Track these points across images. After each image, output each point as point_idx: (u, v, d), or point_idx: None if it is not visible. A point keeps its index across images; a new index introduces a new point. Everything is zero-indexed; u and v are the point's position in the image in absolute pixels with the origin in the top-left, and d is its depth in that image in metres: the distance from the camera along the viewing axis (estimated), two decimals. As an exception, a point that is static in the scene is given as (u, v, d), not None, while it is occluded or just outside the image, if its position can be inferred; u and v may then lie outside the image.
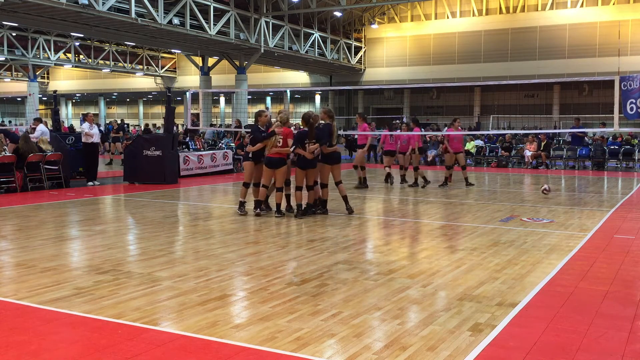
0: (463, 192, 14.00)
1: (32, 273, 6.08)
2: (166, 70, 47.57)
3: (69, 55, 40.81)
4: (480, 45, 37.67)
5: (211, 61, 35.70)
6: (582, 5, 35.26)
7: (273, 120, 10.53)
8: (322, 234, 8.41)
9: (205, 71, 35.63)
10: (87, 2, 21.72)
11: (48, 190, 13.41)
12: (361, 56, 41.35)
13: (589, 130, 24.57)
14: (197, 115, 20.03)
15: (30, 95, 38.67)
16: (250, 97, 46.30)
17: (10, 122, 45.32)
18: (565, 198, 13.21)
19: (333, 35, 38.05)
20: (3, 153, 13.29)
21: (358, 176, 14.43)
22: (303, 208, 9.85)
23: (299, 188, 9.73)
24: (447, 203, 12.01)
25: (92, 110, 58.41)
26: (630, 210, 11.08)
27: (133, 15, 23.78)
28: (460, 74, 37.21)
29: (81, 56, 41.42)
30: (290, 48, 34.13)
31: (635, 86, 11.45)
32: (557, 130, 25.38)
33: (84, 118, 15.21)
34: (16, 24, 30.70)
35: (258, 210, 9.91)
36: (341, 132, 33.68)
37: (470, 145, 22.55)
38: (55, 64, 41.46)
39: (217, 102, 50.95)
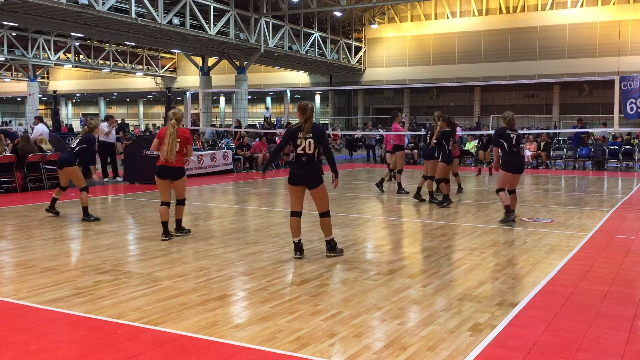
0: (462, 192, 13.97)
1: (32, 273, 6.07)
2: (166, 70, 47.57)
3: (69, 55, 40.81)
4: (480, 45, 37.68)
5: (211, 61, 35.70)
6: (582, 5, 35.26)
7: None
8: (322, 234, 8.39)
9: (205, 71, 35.62)
10: (87, 2, 21.72)
11: (48, 190, 13.39)
12: (361, 56, 41.34)
13: (593, 130, 24.52)
14: (197, 115, 20.03)
15: (30, 95, 38.63)
16: (250, 97, 46.28)
17: (10, 122, 45.31)
18: (565, 198, 13.21)
19: (333, 35, 38.05)
20: (3, 153, 13.28)
21: (398, 181, 13.92)
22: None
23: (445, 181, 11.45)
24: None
25: (91, 110, 58.48)
26: (630, 210, 11.07)
27: (133, 15, 23.78)
28: (460, 74, 37.21)
29: (81, 56, 41.43)
30: (290, 48, 34.13)
31: (635, 86, 11.46)
32: (558, 130, 25.39)
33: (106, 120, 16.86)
34: (16, 24, 30.71)
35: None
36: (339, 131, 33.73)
37: (470, 146, 22.53)
38: (55, 64, 41.47)
39: (217, 102, 50.96)
